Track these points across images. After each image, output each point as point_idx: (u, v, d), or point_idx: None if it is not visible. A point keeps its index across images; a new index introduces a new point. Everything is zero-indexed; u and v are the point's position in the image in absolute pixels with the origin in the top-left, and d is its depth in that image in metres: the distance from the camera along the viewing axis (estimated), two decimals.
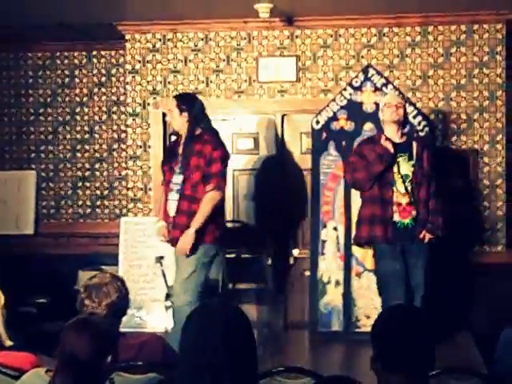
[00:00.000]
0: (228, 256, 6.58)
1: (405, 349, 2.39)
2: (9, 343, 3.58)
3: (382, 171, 5.55)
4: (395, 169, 5.60)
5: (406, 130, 5.79)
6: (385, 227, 5.57)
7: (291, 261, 6.94)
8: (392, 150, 5.55)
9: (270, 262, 6.85)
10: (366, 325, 6.12)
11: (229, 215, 7.00)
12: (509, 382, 4.39)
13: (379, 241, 5.61)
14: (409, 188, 5.58)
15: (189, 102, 5.48)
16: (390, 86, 6.53)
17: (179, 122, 5.45)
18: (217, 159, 5.34)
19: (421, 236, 5.58)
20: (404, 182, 5.59)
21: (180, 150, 5.46)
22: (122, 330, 3.57)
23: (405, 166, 5.62)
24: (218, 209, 5.40)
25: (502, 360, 5.01)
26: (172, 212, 5.40)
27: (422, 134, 6.45)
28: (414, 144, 5.70)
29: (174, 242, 5.40)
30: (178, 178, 5.39)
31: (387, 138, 5.61)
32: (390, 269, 5.61)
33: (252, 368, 2.15)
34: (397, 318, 2.51)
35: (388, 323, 2.50)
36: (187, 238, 5.24)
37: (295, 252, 6.92)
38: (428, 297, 5.60)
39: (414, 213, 5.60)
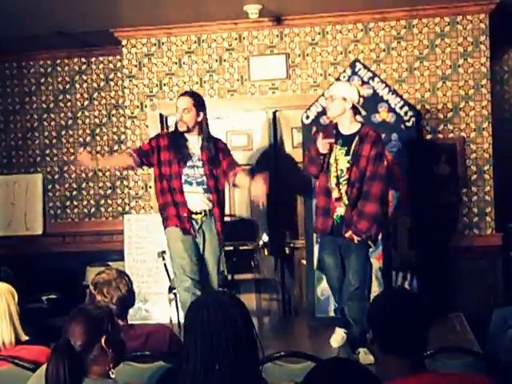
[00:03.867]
0: (226, 248, 6.80)
1: (401, 331, 2.48)
2: (24, 338, 3.62)
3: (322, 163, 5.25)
4: (332, 160, 5.26)
5: (359, 119, 5.43)
6: (326, 219, 5.32)
7: (287, 251, 7.09)
8: (323, 150, 5.19)
9: (266, 252, 7.05)
10: None
11: (226, 209, 7.24)
12: (503, 357, 4.58)
13: (324, 232, 5.37)
14: (343, 183, 5.24)
15: (203, 103, 5.54)
16: (376, 79, 6.73)
17: (194, 121, 5.46)
18: (229, 150, 5.65)
19: (347, 235, 5.22)
20: (338, 176, 5.24)
21: (190, 146, 5.51)
22: (129, 321, 3.74)
23: (342, 161, 5.26)
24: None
25: (495, 339, 5.19)
26: (191, 202, 5.49)
27: (408, 124, 6.67)
28: (356, 138, 5.24)
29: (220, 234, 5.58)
30: (194, 171, 5.50)
31: (325, 136, 5.21)
32: (323, 261, 5.48)
33: (254, 353, 2.26)
34: (392, 301, 2.59)
35: (384, 307, 2.58)
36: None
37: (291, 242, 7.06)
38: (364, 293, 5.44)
39: (340, 210, 5.27)
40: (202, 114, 5.48)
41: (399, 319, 2.49)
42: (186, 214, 5.49)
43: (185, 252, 5.45)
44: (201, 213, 5.53)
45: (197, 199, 5.51)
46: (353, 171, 5.18)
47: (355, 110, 5.31)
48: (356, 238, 5.18)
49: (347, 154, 5.22)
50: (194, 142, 5.53)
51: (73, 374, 2.58)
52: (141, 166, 5.71)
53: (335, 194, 5.24)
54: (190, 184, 5.49)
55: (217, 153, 5.52)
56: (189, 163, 5.49)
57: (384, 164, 5.24)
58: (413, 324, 2.49)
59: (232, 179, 5.50)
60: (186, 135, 5.52)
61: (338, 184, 5.23)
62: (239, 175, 5.46)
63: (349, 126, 5.27)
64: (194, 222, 5.52)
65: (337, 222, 5.30)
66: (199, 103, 5.50)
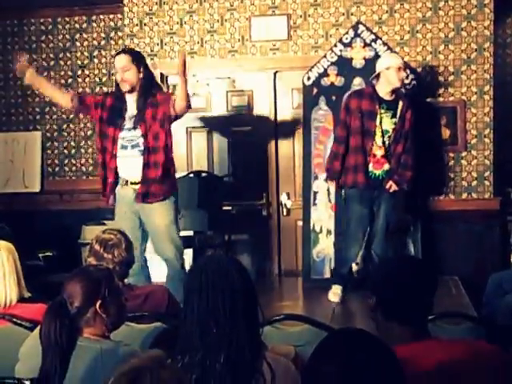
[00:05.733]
0: (224, 208, 6.84)
1: (405, 297, 2.44)
2: (28, 295, 3.62)
3: (363, 124, 5.80)
4: (377, 122, 5.78)
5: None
6: (357, 174, 5.79)
7: (285, 212, 7.14)
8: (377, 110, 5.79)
9: (264, 213, 7.08)
10: (355, 271, 6.37)
11: (225, 170, 7.27)
12: (499, 321, 4.62)
13: (350, 185, 5.83)
14: (386, 142, 5.82)
15: (143, 59, 5.31)
16: (378, 42, 6.69)
17: (136, 79, 5.19)
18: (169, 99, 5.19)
19: (387, 186, 5.81)
20: (383, 136, 5.81)
21: (128, 106, 5.24)
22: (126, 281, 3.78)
23: (387, 122, 5.83)
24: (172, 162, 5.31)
25: (491, 303, 5.23)
26: (128, 169, 5.21)
27: (408, 87, 6.65)
28: (400, 103, 5.86)
29: (140, 198, 5.19)
30: (130, 134, 5.21)
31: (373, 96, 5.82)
32: (355, 213, 5.86)
33: (253, 316, 2.28)
34: (396, 267, 2.56)
35: (388, 273, 2.54)
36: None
37: (288, 203, 7.12)
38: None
39: (386, 165, 5.83)
40: (143, 71, 5.20)
41: (403, 285, 2.46)
42: (111, 180, 5.24)
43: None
44: (138, 183, 5.19)
45: (132, 164, 5.18)
46: (398, 131, 5.83)
47: None
48: (394, 188, 5.81)
49: (393, 116, 5.82)
50: (133, 103, 5.22)
51: (64, 333, 2.58)
52: (78, 113, 5.94)
53: (381, 152, 5.81)
54: (125, 148, 5.19)
55: (152, 107, 5.18)
56: (126, 126, 5.20)
57: None
58: (417, 290, 2.46)
59: (173, 112, 5.14)
60: (126, 96, 5.24)
61: (383, 143, 5.80)
62: (175, 103, 5.10)
63: (389, 92, 5.82)
64: (131, 191, 5.23)
65: (382, 177, 5.83)
66: (138, 60, 5.23)
